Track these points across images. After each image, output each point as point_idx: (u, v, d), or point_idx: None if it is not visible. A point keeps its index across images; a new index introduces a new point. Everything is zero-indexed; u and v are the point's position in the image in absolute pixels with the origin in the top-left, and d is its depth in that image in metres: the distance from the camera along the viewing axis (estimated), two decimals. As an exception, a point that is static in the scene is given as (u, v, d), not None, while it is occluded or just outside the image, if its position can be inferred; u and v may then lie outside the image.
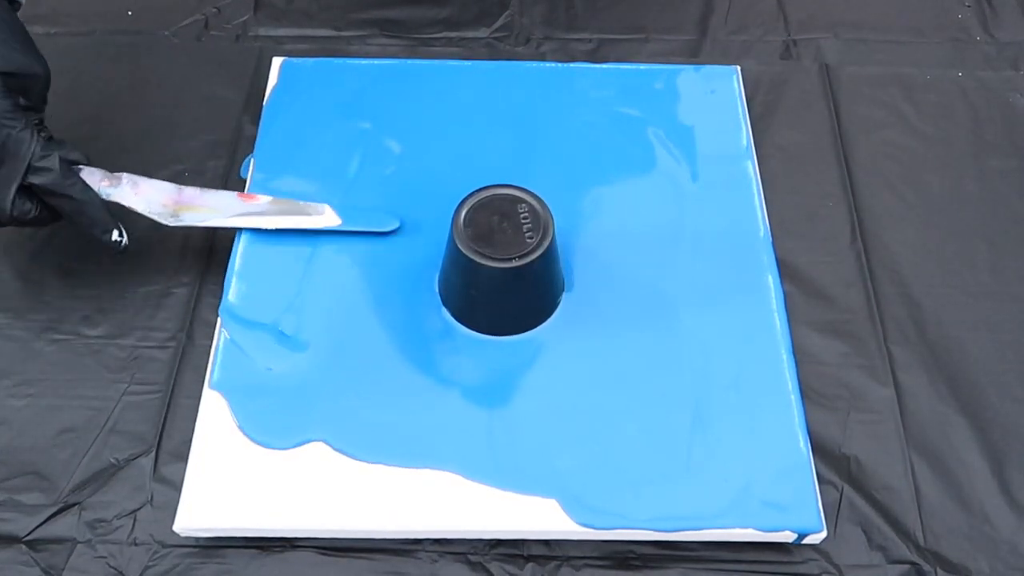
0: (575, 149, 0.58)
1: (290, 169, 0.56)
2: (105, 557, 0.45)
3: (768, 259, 0.53)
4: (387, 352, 0.49)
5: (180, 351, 0.51)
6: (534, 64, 0.62)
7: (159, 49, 0.64)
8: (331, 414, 0.47)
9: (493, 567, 0.46)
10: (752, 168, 0.57)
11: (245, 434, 0.47)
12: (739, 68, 0.62)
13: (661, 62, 0.64)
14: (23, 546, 0.46)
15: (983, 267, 0.55)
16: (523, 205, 0.48)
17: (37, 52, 0.48)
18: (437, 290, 0.52)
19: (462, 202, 0.48)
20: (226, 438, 0.46)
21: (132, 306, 0.53)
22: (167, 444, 0.48)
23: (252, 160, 0.57)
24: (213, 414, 0.47)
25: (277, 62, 0.62)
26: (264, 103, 0.60)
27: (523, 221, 0.48)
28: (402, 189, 0.56)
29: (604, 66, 0.62)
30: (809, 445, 0.47)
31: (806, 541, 0.45)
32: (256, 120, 0.59)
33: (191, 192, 0.52)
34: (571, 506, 0.45)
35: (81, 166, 0.48)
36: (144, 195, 0.50)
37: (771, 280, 0.52)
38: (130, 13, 0.66)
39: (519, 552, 0.46)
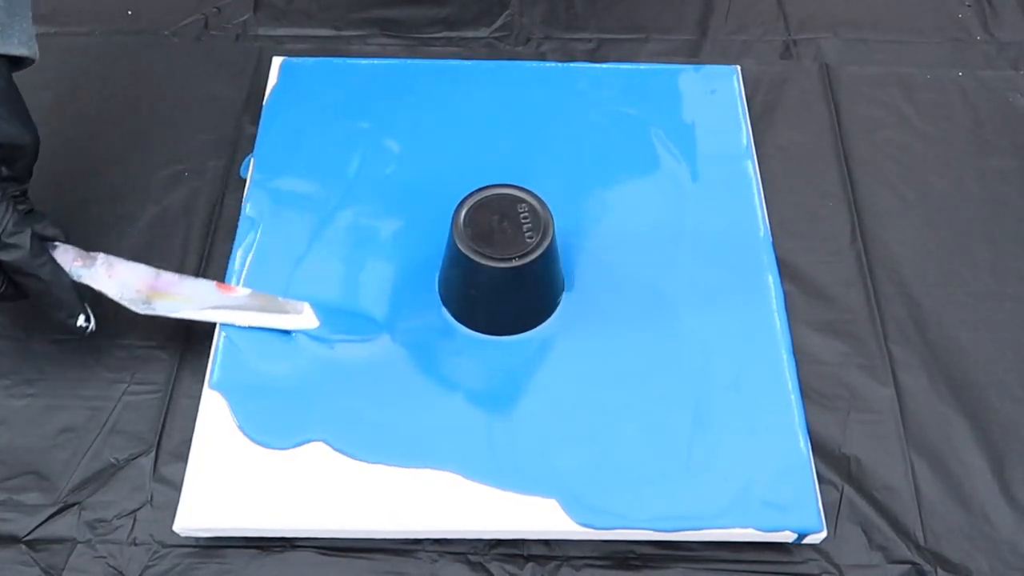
0: (575, 149, 0.58)
1: (290, 169, 0.56)
2: (105, 557, 0.45)
3: (768, 259, 0.53)
4: (387, 352, 0.49)
5: (180, 351, 0.51)
6: (534, 64, 0.62)
7: (159, 49, 0.64)
8: (331, 414, 0.47)
9: (493, 567, 0.46)
10: (752, 168, 0.57)
11: (245, 434, 0.47)
12: (739, 68, 0.62)
13: (661, 62, 0.64)
14: (23, 546, 0.46)
15: (983, 267, 0.55)
16: (523, 205, 0.48)
17: (28, 119, 0.45)
18: (437, 290, 0.52)
19: (462, 202, 0.48)
20: (226, 438, 0.46)
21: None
22: (167, 444, 0.48)
23: (252, 160, 0.57)
24: (213, 414, 0.47)
25: (277, 62, 0.62)
26: (264, 103, 0.60)
27: (523, 221, 0.48)
28: (402, 189, 0.56)
29: (604, 66, 0.62)
30: (809, 445, 0.47)
31: (806, 541, 0.45)
32: (256, 120, 0.59)
33: (168, 278, 0.49)
34: (571, 506, 0.45)
35: (56, 243, 0.46)
36: (118, 278, 0.47)
37: (771, 280, 0.52)
38: (130, 13, 0.66)
39: (519, 552, 0.46)
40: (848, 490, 0.48)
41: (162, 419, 0.49)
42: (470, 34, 0.66)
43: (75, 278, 0.46)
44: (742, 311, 0.51)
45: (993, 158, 0.60)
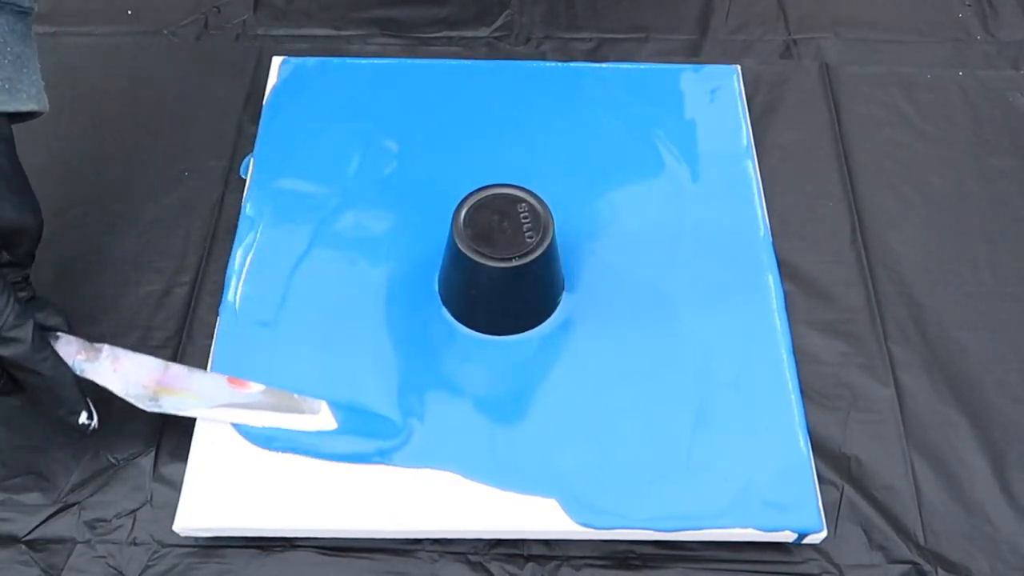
0: (575, 149, 0.58)
1: (290, 168, 0.56)
2: (105, 557, 0.45)
3: (768, 259, 0.53)
4: (387, 352, 0.49)
5: (180, 351, 0.51)
6: (534, 64, 0.62)
7: (159, 49, 0.64)
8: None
9: (493, 567, 0.46)
10: (752, 167, 0.57)
11: (243, 435, 0.46)
12: (739, 67, 0.62)
13: (661, 61, 0.64)
14: (23, 546, 0.45)
15: (984, 266, 0.55)
16: (523, 205, 0.48)
17: (31, 197, 0.43)
18: (437, 290, 0.51)
19: (462, 202, 0.48)
20: (226, 438, 0.46)
21: (132, 306, 0.53)
22: (167, 444, 0.48)
23: (252, 159, 0.57)
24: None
25: (277, 61, 0.62)
26: (264, 102, 0.60)
27: (523, 221, 0.48)
28: (402, 188, 0.56)
29: (604, 65, 0.62)
30: (809, 445, 0.47)
31: (806, 541, 0.45)
32: (256, 119, 0.59)
33: (177, 371, 0.47)
34: (571, 506, 0.45)
35: (59, 334, 0.44)
36: (124, 373, 0.45)
37: (771, 280, 0.52)
38: (130, 12, 0.66)
39: (519, 552, 0.46)
40: (848, 490, 0.48)
41: (162, 418, 0.49)
42: (470, 34, 0.66)
43: (78, 372, 0.44)
44: (742, 311, 0.51)
45: (993, 158, 0.60)
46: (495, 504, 0.45)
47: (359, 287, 0.52)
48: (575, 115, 0.59)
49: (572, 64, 0.62)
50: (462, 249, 0.46)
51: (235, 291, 0.51)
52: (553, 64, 0.62)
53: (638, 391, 0.48)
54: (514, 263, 0.46)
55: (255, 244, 0.53)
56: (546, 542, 0.46)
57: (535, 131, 0.58)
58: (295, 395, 0.47)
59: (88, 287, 0.53)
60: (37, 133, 0.47)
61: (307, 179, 0.56)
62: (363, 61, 0.62)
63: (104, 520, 0.46)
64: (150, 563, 0.45)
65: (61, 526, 0.46)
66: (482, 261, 0.46)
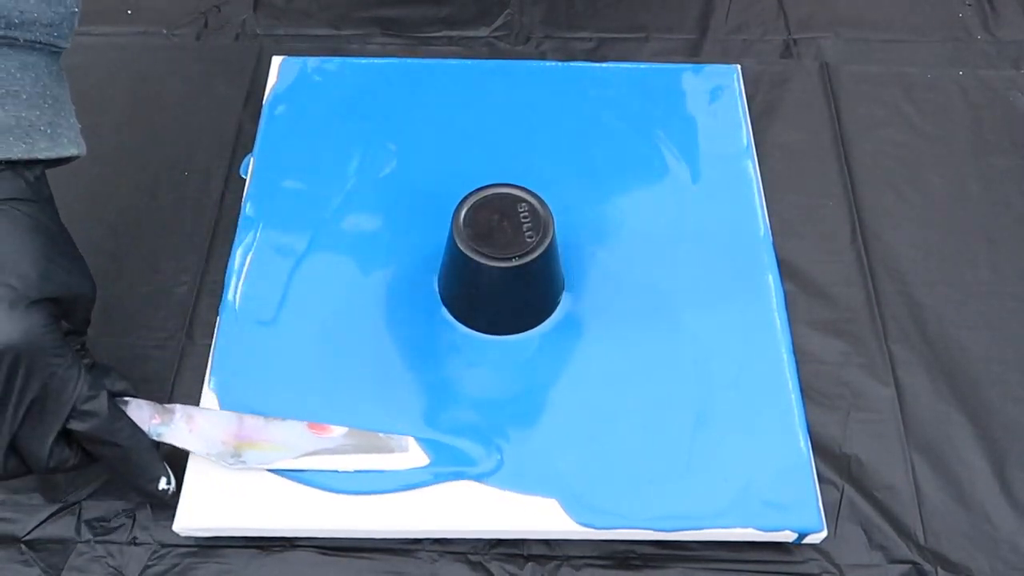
0: (575, 148, 0.58)
1: (290, 168, 0.56)
2: (105, 557, 0.45)
3: (768, 258, 0.53)
4: (387, 352, 0.49)
5: (180, 351, 0.51)
6: (534, 63, 0.62)
7: (158, 48, 0.64)
8: (330, 414, 0.47)
9: (493, 567, 0.46)
10: (752, 167, 0.57)
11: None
12: (739, 67, 0.62)
13: (661, 61, 0.64)
14: (23, 546, 0.45)
15: (984, 266, 0.55)
16: (523, 204, 0.48)
17: (84, 263, 0.42)
18: (437, 290, 0.51)
19: (462, 201, 0.48)
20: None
21: (132, 306, 0.53)
22: (166, 444, 0.48)
23: (252, 159, 0.57)
24: (213, 414, 0.47)
25: (277, 61, 0.61)
26: (264, 102, 0.60)
27: (523, 220, 0.48)
28: (402, 188, 0.56)
29: (604, 65, 0.62)
30: (809, 444, 0.47)
31: (806, 541, 0.45)
32: (256, 119, 0.59)
33: (253, 423, 0.45)
34: (571, 506, 0.45)
35: (127, 399, 0.43)
36: (200, 432, 0.44)
37: (771, 279, 0.52)
38: (130, 12, 0.66)
39: (519, 552, 0.46)
40: (848, 490, 0.48)
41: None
42: (470, 33, 0.66)
43: (154, 437, 0.43)
44: (742, 310, 0.51)
45: (994, 157, 0.60)
46: (495, 504, 0.45)
47: (359, 287, 0.52)
48: (575, 115, 0.59)
49: (572, 64, 0.62)
50: (462, 249, 0.46)
51: (235, 291, 0.51)
52: (553, 64, 0.62)
53: (638, 391, 0.48)
54: (514, 263, 0.46)
55: (255, 244, 0.53)
56: (546, 542, 0.46)
57: (535, 131, 0.58)
58: (380, 434, 0.46)
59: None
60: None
61: (307, 179, 0.56)
62: (363, 61, 0.62)
63: (104, 520, 0.46)
64: (150, 563, 0.45)
65: (61, 526, 0.46)
66: (482, 261, 0.46)
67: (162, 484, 0.43)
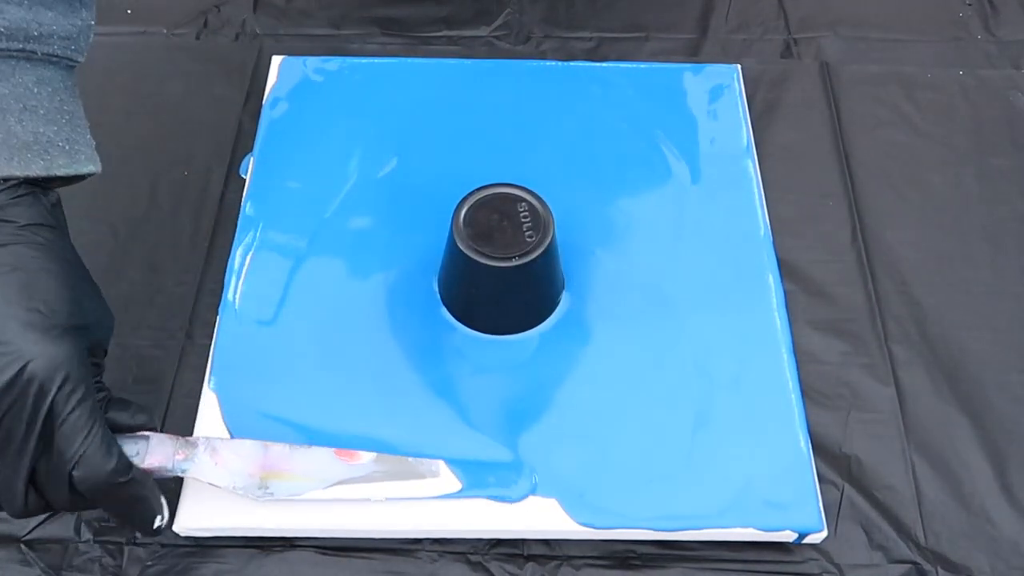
0: (575, 148, 0.58)
1: (290, 167, 0.56)
2: (104, 557, 0.45)
3: (768, 258, 0.53)
4: (387, 352, 0.49)
5: (180, 351, 0.51)
6: (534, 63, 0.62)
7: (158, 48, 0.64)
8: (330, 415, 0.47)
9: (493, 567, 0.46)
10: (752, 167, 0.57)
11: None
12: (739, 67, 0.62)
13: (661, 61, 0.64)
14: (22, 546, 0.45)
15: (984, 266, 0.55)
16: (523, 204, 0.48)
17: (103, 298, 0.41)
18: (437, 290, 0.51)
19: (462, 201, 0.48)
20: (226, 437, 0.46)
21: (132, 306, 0.53)
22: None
23: (252, 158, 0.57)
24: (212, 414, 0.47)
25: (277, 60, 0.61)
26: (264, 101, 0.60)
27: (523, 220, 0.47)
28: (402, 188, 0.56)
29: (604, 65, 0.62)
30: (810, 444, 0.47)
31: (807, 540, 0.45)
32: (256, 118, 0.59)
33: (278, 451, 0.44)
34: (571, 506, 0.45)
35: (148, 434, 0.41)
36: (226, 464, 0.42)
37: (771, 279, 0.52)
38: (129, 12, 0.66)
39: (519, 552, 0.46)
40: (848, 490, 0.48)
41: (162, 419, 0.49)
42: (470, 33, 0.66)
43: (178, 473, 0.41)
44: (742, 310, 0.51)
45: (994, 157, 0.60)
46: (495, 504, 0.45)
47: (359, 286, 0.52)
48: (575, 114, 0.59)
49: (572, 63, 0.62)
50: (462, 249, 0.46)
51: (235, 290, 0.51)
52: (553, 63, 0.62)
53: (638, 390, 0.48)
54: (514, 262, 0.46)
55: (255, 244, 0.53)
56: (546, 542, 0.46)
57: (535, 130, 0.58)
58: (409, 459, 0.45)
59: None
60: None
61: (307, 178, 0.56)
62: (363, 60, 0.62)
63: (104, 520, 0.46)
64: (150, 563, 0.45)
65: (61, 526, 0.46)
66: (482, 261, 0.46)
67: (156, 523, 0.41)
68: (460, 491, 0.44)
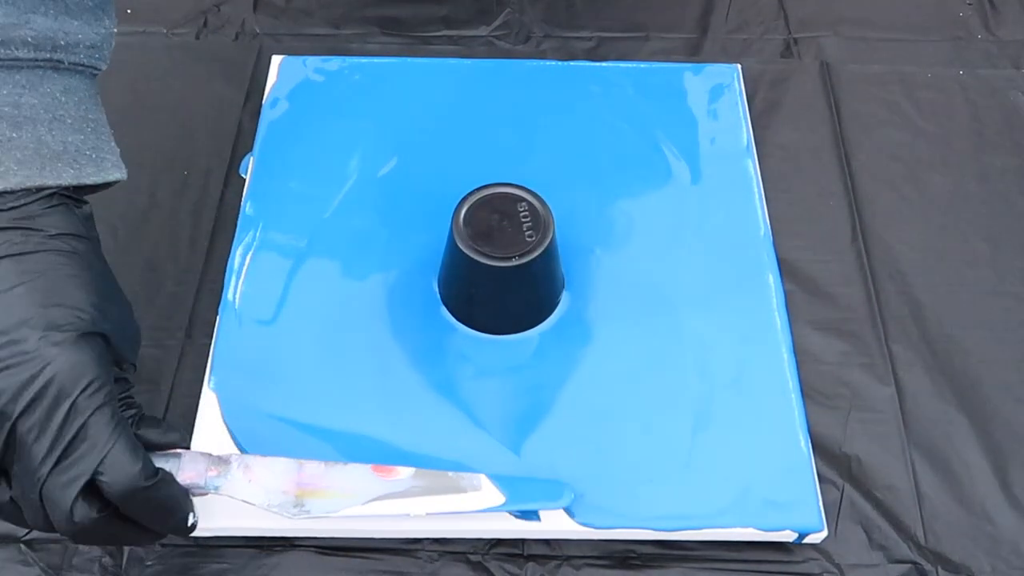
0: (575, 148, 0.58)
1: (290, 167, 0.56)
2: (104, 557, 0.45)
3: (768, 258, 0.53)
4: (387, 352, 0.49)
5: (180, 351, 0.51)
6: (534, 62, 0.62)
7: (158, 47, 0.64)
8: (330, 415, 0.47)
9: (493, 567, 0.46)
10: (752, 166, 0.57)
11: (237, 445, 0.46)
12: (740, 66, 0.62)
13: (661, 60, 0.64)
14: (22, 546, 0.45)
15: (984, 265, 0.55)
16: (523, 204, 0.48)
17: (131, 312, 0.41)
18: (437, 290, 0.51)
19: (462, 201, 0.48)
20: (225, 437, 0.46)
21: (132, 305, 0.52)
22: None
23: (251, 158, 0.57)
24: (212, 414, 0.47)
25: (276, 60, 0.61)
26: (263, 101, 0.60)
27: (523, 220, 0.47)
28: (402, 187, 0.56)
29: (604, 64, 0.62)
30: (810, 444, 0.47)
31: (807, 540, 0.45)
32: (256, 118, 0.59)
33: (313, 469, 0.42)
34: (571, 505, 0.45)
35: (180, 451, 0.40)
36: (260, 482, 0.41)
37: (772, 279, 0.52)
38: (129, 11, 0.66)
39: (519, 552, 0.46)
40: (849, 489, 0.48)
41: (162, 419, 0.49)
42: (470, 32, 0.66)
43: (211, 490, 0.40)
44: (742, 310, 0.51)
45: (994, 157, 0.60)
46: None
47: (359, 286, 0.52)
48: (575, 114, 0.59)
49: (572, 63, 0.62)
50: (462, 248, 0.46)
51: (235, 290, 0.51)
52: (553, 63, 0.62)
53: (638, 390, 0.48)
54: (514, 262, 0.46)
55: (255, 243, 0.53)
56: (546, 542, 0.46)
57: (535, 130, 0.58)
58: (449, 473, 0.43)
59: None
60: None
61: (307, 178, 0.56)
62: (363, 60, 0.62)
63: (104, 520, 0.46)
64: (150, 563, 0.45)
65: (61, 526, 0.46)
66: (482, 260, 0.46)
67: (189, 520, 0.40)
68: (503, 504, 0.43)
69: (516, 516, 0.44)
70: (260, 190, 0.55)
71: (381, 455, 0.46)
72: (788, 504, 0.45)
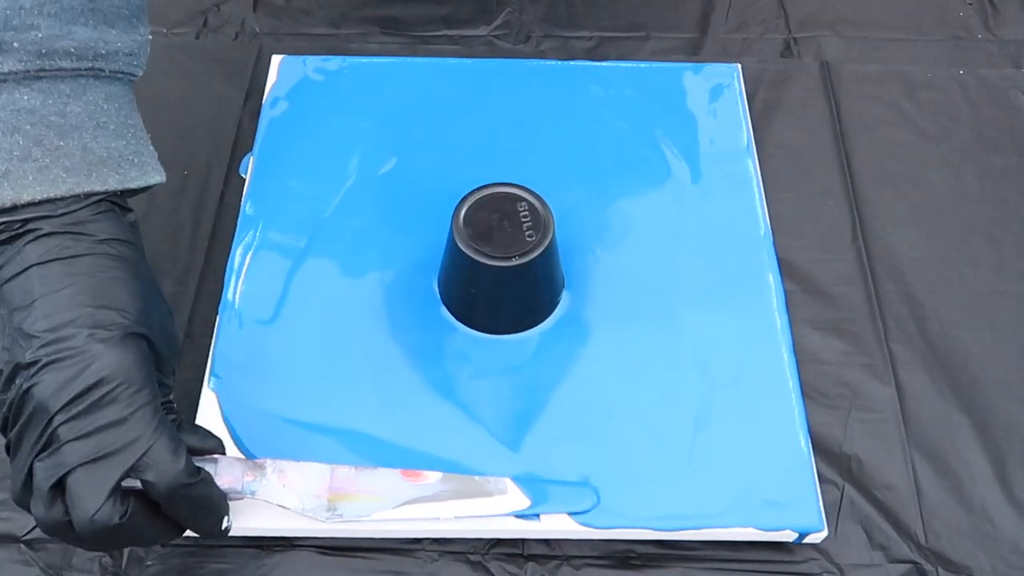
0: (575, 147, 0.58)
1: (289, 167, 0.56)
2: (104, 557, 0.45)
3: (769, 257, 0.53)
4: (387, 352, 0.49)
5: (180, 350, 0.51)
6: (534, 62, 0.62)
7: (158, 47, 0.64)
8: (330, 415, 0.47)
9: (493, 567, 0.46)
10: (753, 166, 0.57)
11: (237, 444, 0.46)
12: (740, 66, 0.62)
13: (661, 60, 0.64)
14: (22, 545, 0.45)
15: (984, 265, 0.55)
16: (523, 203, 0.48)
17: (173, 319, 0.42)
18: (437, 289, 0.51)
19: (462, 200, 0.48)
20: (225, 437, 0.46)
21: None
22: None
23: (251, 158, 0.57)
24: (212, 414, 0.47)
25: (276, 60, 0.61)
26: (263, 101, 0.59)
27: (523, 219, 0.47)
28: (402, 187, 0.56)
29: (604, 64, 0.62)
30: (810, 444, 0.47)
31: (807, 540, 0.45)
32: (255, 118, 0.59)
33: (345, 473, 0.44)
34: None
35: (217, 457, 0.41)
36: (294, 486, 0.42)
37: (772, 279, 0.52)
38: (129, 11, 0.66)
39: (519, 552, 0.46)
40: (849, 489, 0.48)
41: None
42: (470, 32, 0.66)
43: (247, 495, 0.41)
44: (743, 310, 0.51)
45: (994, 156, 0.60)
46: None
47: (358, 286, 0.52)
48: (575, 114, 0.59)
49: (572, 63, 0.62)
50: (462, 248, 0.46)
51: (235, 290, 0.51)
52: (553, 63, 0.62)
53: (638, 390, 0.48)
54: (514, 262, 0.46)
55: (255, 243, 0.53)
56: (546, 542, 0.46)
57: (535, 130, 0.58)
58: (476, 477, 0.45)
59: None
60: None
61: (307, 178, 0.56)
62: (363, 60, 0.62)
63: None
64: (150, 563, 0.45)
65: (61, 526, 0.46)
66: (482, 260, 0.46)
67: (225, 523, 0.41)
68: (529, 508, 0.44)
69: (516, 516, 0.44)
70: (260, 190, 0.55)
71: (381, 455, 0.46)
72: (788, 504, 0.45)
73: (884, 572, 0.46)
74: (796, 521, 0.44)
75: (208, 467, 0.40)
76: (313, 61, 0.61)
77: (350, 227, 0.54)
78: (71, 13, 0.39)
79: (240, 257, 0.52)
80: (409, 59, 0.62)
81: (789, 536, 0.45)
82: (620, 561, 0.46)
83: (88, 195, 0.39)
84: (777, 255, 0.53)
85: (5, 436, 0.37)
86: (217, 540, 0.45)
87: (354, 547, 0.46)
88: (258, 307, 0.51)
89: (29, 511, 0.37)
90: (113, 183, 0.40)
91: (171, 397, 0.41)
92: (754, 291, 0.52)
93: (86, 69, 0.40)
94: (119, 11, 0.41)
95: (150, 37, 0.44)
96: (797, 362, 0.50)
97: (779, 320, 0.51)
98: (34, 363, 0.36)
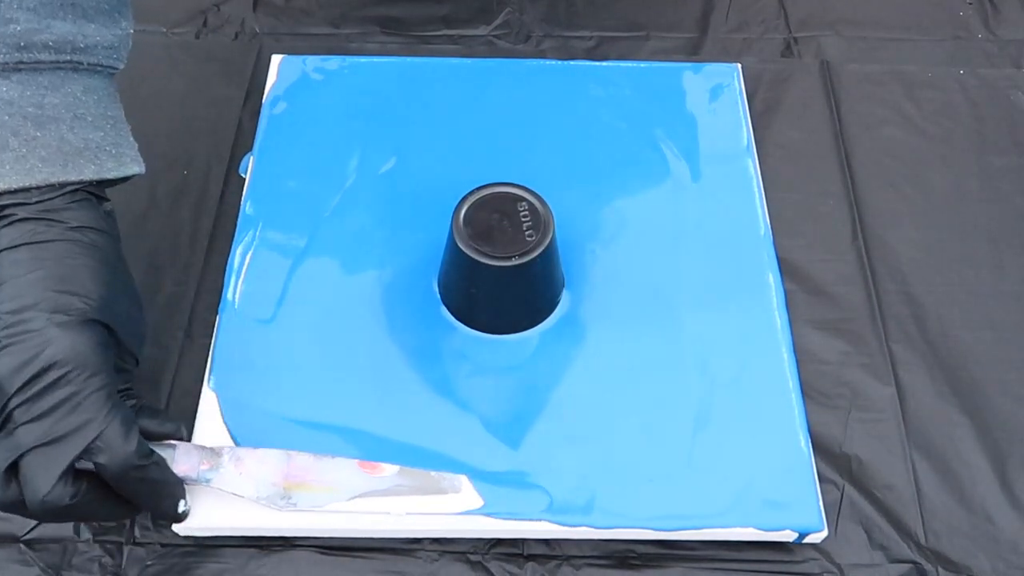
0: (575, 147, 0.58)
1: (289, 167, 0.56)
2: (104, 557, 0.45)
3: (769, 257, 0.53)
4: (387, 351, 0.49)
5: (179, 350, 0.51)
6: (534, 62, 0.62)
7: (158, 47, 0.64)
8: (330, 415, 0.47)
9: (493, 566, 0.46)
10: (753, 166, 0.57)
11: (236, 442, 0.46)
12: (740, 66, 0.62)
13: (661, 60, 0.64)
14: (22, 545, 0.45)
15: (985, 265, 0.55)
16: (523, 203, 0.48)
17: (142, 311, 0.43)
18: (437, 289, 0.51)
19: (462, 200, 0.48)
20: (225, 437, 0.46)
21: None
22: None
23: (251, 158, 0.57)
24: (212, 413, 0.47)
25: (276, 60, 0.61)
26: (263, 101, 0.59)
27: (523, 219, 0.47)
28: (402, 187, 0.56)
29: (604, 64, 0.62)
30: (810, 444, 0.47)
31: (807, 540, 0.45)
32: (255, 118, 0.59)
33: (303, 461, 0.44)
34: (571, 505, 0.45)
35: (175, 443, 0.42)
36: (250, 474, 0.43)
37: (772, 278, 0.52)
38: (129, 11, 0.66)
39: (519, 552, 0.46)
40: (849, 489, 0.48)
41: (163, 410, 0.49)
42: (470, 32, 0.66)
43: (203, 483, 0.42)
44: (743, 310, 0.51)
45: (994, 156, 0.60)
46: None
47: (358, 286, 0.52)
48: (575, 114, 0.59)
49: (572, 62, 0.62)
50: (462, 248, 0.46)
51: (234, 290, 0.51)
52: (553, 62, 0.62)
53: (638, 390, 0.48)
54: (514, 262, 0.46)
55: (255, 243, 0.53)
56: (546, 542, 0.46)
57: (535, 130, 0.58)
58: (432, 473, 0.45)
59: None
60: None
61: (307, 177, 0.56)
62: (362, 59, 0.62)
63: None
64: (150, 563, 0.45)
65: (60, 526, 0.46)
66: (482, 260, 0.46)
67: (181, 507, 0.42)
68: (481, 508, 0.44)
69: (516, 517, 0.45)
70: (260, 189, 0.55)
71: (381, 455, 0.46)
72: (788, 504, 0.45)
73: (884, 572, 0.46)
74: (796, 521, 0.44)
75: (165, 453, 0.41)
76: (313, 61, 0.61)
77: (350, 227, 0.54)
78: (50, 7, 0.40)
79: (240, 257, 0.52)
80: (409, 59, 0.62)
81: (789, 536, 0.45)
82: (620, 561, 0.46)
83: (64, 184, 0.40)
84: (777, 255, 0.53)
85: None
86: (175, 520, 0.44)
87: (354, 547, 0.46)
88: (258, 307, 0.51)
89: None
90: (89, 173, 0.41)
91: (131, 384, 0.42)
92: (754, 291, 0.52)
93: (64, 62, 0.41)
94: (99, 5, 0.42)
95: (132, 31, 0.44)
96: (797, 362, 0.50)
97: (779, 320, 0.51)
98: None
